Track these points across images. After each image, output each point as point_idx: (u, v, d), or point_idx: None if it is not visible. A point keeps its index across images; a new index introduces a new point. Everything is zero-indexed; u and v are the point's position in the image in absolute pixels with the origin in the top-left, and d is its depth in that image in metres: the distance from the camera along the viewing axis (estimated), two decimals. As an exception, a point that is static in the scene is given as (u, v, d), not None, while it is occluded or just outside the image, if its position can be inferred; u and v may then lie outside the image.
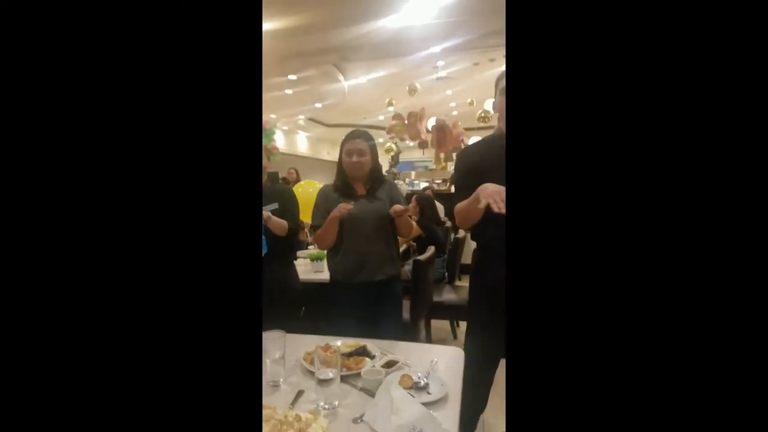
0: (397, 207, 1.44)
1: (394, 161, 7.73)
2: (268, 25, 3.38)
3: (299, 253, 2.75)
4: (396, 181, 4.71)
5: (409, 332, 1.97)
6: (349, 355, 1.06)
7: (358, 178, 1.51)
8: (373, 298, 1.52)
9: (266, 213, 1.60)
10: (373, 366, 1.00)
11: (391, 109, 6.00)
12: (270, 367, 0.96)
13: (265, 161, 1.71)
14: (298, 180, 4.77)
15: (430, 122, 6.05)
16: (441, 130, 5.81)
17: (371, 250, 1.48)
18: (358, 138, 1.49)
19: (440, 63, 4.95)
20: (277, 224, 1.61)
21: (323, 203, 1.53)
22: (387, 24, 3.42)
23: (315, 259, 2.26)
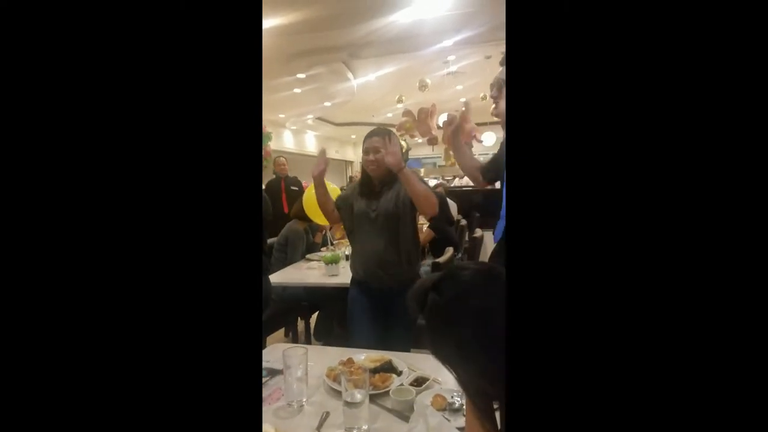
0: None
1: (404, 159, 7.64)
2: (275, 22, 3.31)
3: (312, 255, 2.68)
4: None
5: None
6: (374, 371, 0.99)
7: (376, 176, 1.51)
8: (388, 301, 1.50)
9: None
10: (402, 384, 0.94)
11: (399, 106, 5.91)
12: (292, 387, 0.89)
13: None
14: (285, 169, 4.68)
15: (441, 118, 5.95)
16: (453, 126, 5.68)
17: (380, 251, 1.47)
18: (375, 136, 1.49)
19: (451, 58, 4.85)
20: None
21: (343, 204, 1.57)
22: (399, 18, 3.32)
23: (330, 262, 2.20)
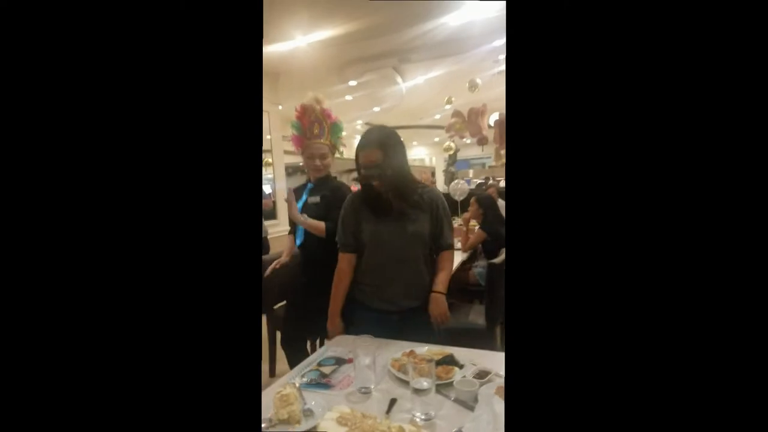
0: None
1: (452, 160, 7.57)
2: (330, 33, 3.47)
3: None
4: (456, 181, 4.59)
5: (485, 339, 1.91)
6: (437, 363, 1.04)
7: (381, 191, 1.26)
8: (394, 328, 1.27)
9: (303, 216, 1.49)
10: (464, 376, 0.97)
11: (448, 107, 5.88)
12: (361, 373, 0.97)
13: (329, 160, 1.67)
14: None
15: (492, 118, 5.84)
16: (505, 125, 5.57)
17: (393, 275, 1.27)
18: (368, 147, 1.22)
19: (501, 56, 4.76)
20: (313, 226, 1.49)
21: (352, 217, 1.31)
22: (449, 21, 3.35)
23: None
